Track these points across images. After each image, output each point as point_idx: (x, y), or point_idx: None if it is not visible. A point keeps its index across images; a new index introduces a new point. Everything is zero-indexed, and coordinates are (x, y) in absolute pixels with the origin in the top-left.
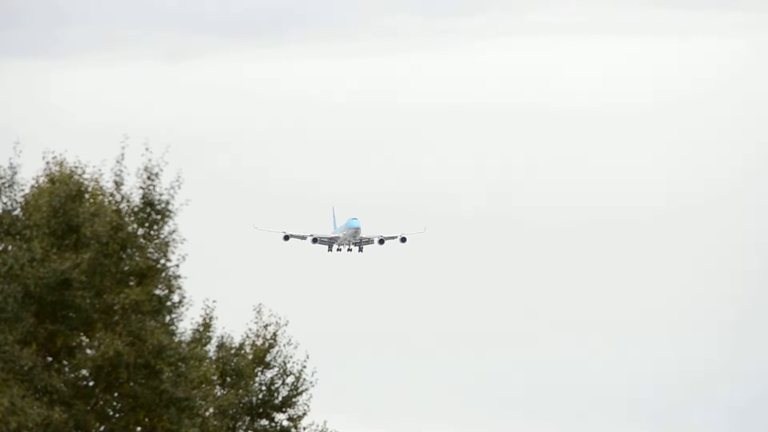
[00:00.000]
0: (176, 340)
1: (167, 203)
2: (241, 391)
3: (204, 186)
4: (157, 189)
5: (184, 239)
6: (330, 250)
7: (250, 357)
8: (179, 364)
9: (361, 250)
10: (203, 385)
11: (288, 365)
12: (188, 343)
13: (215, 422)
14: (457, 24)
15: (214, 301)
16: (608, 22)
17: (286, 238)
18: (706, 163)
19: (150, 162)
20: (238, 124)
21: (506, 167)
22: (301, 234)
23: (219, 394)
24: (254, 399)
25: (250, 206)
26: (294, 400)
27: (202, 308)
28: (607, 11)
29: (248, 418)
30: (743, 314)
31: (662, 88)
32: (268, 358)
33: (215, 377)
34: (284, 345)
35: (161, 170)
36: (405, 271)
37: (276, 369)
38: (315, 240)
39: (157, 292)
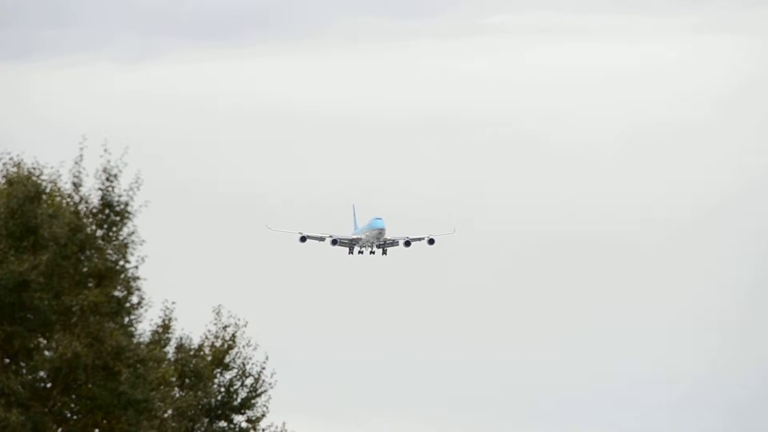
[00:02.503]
0: (135, 341)
1: (126, 205)
2: (199, 392)
3: (163, 187)
4: (116, 190)
5: (143, 241)
6: (351, 252)
7: (209, 358)
8: (138, 365)
9: (385, 252)
10: (162, 387)
11: (247, 367)
12: (147, 345)
13: (174, 424)
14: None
15: (173, 303)
16: (567, 27)
17: (303, 239)
18: (690, 177)
19: (109, 163)
20: (201, 124)
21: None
22: (320, 235)
23: (178, 395)
24: (213, 400)
25: (238, 207)
26: (253, 401)
27: (161, 310)
28: (564, 16)
29: (207, 420)
30: (742, 316)
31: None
32: (227, 359)
33: (174, 379)
34: (243, 346)
35: (120, 171)
36: (385, 272)
37: (235, 370)
38: (335, 242)
39: (116, 293)
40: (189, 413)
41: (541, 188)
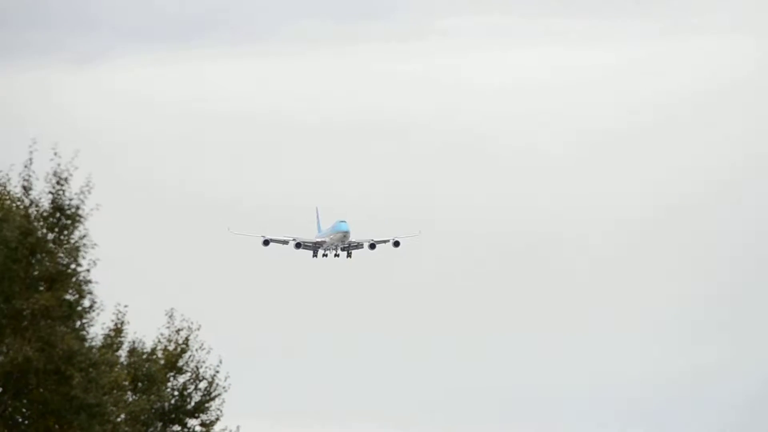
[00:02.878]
0: (87, 345)
1: (77, 208)
2: (153, 396)
3: (116, 190)
4: (67, 194)
5: (94, 244)
6: (315, 255)
7: (162, 362)
8: (90, 369)
9: (349, 255)
10: (114, 391)
11: (201, 370)
12: (99, 349)
13: (127, 428)
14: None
15: (125, 306)
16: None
17: (266, 243)
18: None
19: (59, 167)
20: (156, 127)
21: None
22: (283, 238)
23: (130, 399)
24: (166, 404)
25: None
26: (207, 405)
27: (114, 313)
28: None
29: (160, 424)
30: (740, 316)
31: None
32: (181, 363)
33: (126, 383)
34: (197, 350)
35: (71, 175)
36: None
37: (188, 374)
38: (299, 245)
39: (68, 297)
40: (142, 417)
41: (496, 190)
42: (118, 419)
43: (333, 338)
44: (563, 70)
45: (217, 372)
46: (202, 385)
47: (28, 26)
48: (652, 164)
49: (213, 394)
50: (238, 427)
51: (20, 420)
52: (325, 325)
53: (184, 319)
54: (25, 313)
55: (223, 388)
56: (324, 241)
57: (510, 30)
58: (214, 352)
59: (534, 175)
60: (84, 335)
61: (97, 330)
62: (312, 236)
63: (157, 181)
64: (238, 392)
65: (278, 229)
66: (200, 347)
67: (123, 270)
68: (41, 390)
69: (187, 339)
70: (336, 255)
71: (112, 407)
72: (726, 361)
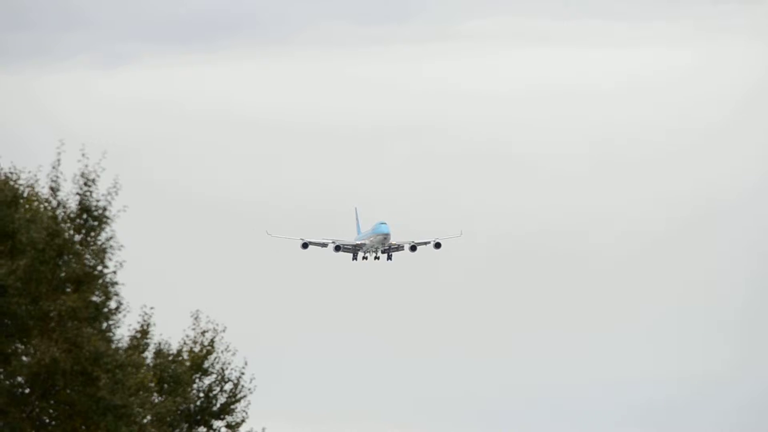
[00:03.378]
0: (113, 346)
1: (104, 209)
2: (178, 398)
3: (142, 192)
4: (94, 195)
5: (121, 246)
6: (355, 258)
7: (188, 364)
8: (116, 370)
9: (390, 258)
10: (140, 392)
11: (226, 372)
12: (125, 350)
13: (153, 429)
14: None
15: (151, 308)
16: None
17: (305, 246)
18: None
19: (86, 168)
20: (179, 129)
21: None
22: (322, 241)
23: (156, 401)
24: (192, 406)
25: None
26: (232, 407)
27: (140, 315)
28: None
29: (186, 425)
30: (741, 317)
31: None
32: (206, 364)
33: (152, 384)
34: (222, 351)
35: (98, 176)
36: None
37: (214, 376)
38: (338, 248)
39: (94, 298)
40: (168, 419)
41: (528, 195)
42: (144, 420)
43: (360, 340)
44: (590, 72)
45: (243, 374)
46: (228, 386)
47: (59, 28)
48: (679, 169)
49: (238, 396)
50: (263, 429)
51: (47, 421)
52: (355, 326)
53: (209, 321)
54: (52, 314)
55: (249, 389)
56: (364, 244)
57: (540, 30)
58: (240, 354)
59: (571, 178)
60: (110, 337)
61: (123, 331)
62: (351, 238)
63: (184, 184)
64: (264, 393)
65: (316, 231)
66: (226, 349)
67: (149, 272)
68: (68, 391)
69: (212, 341)
70: (376, 257)
71: (138, 408)
72: (737, 366)
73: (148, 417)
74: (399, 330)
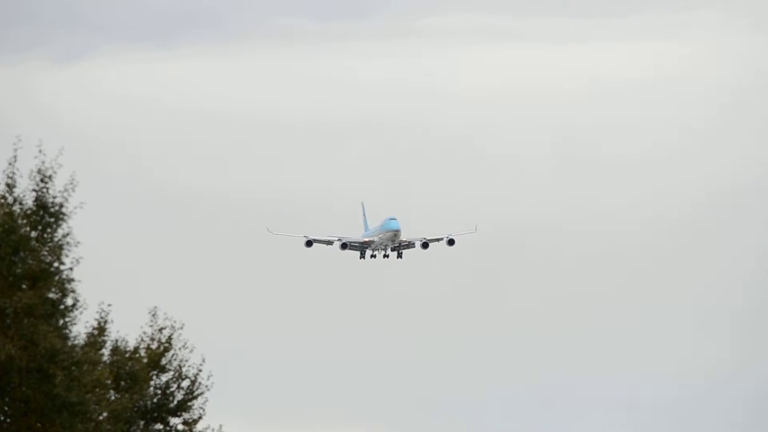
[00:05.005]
0: (69, 343)
1: (61, 206)
2: (135, 395)
3: (99, 188)
4: (51, 191)
5: (78, 242)
6: (363, 257)
7: (145, 361)
8: (72, 368)
9: (400, 255)
10: (97, 389)
11: (183, 369)
12: (82, 347)
13: (109, 426)
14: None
15: (109, 305)
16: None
17: (309, 243)
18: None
19: (43, 164)
20: (137, 124)
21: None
22: (327, 238)
23: (113, 398)
24: (149, 403)
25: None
26: (189, 404)
27: (97, 311)
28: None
29: (143, 423)
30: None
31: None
32: (164, 361)
33: (109, 381)
34: (180, 348)
35: (55, 173)
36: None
37: (171, 373)
38: (344, 245)
39: (51, 295)
40: (124, 416)
41: (491, 192)
42: (101, 418)
43: (323, 339)
44: (546, 68)
45: (200, 371)
46: (185, 383)
47: (10, 23)
48: (647, 168)
49: (195, 393)
50: (220, 426)
51: (2, 418)
52: (318, 324)
53: (167, 318)
54: (7, 311)
55: (206, 386)
56: (372, 241)
57: (501, 27)
58: (198, 351)
59: (534, 177)
60: (67, 334)
61: (79, 328)
62: (358, 236)
63: (143, 179)
64: (221, 391)
65: (291, 227)
66: (183, 346)
67: (107, 268)
68: (23, 388)
69: (170, 338)
70: (385, 255)
71: (94, 406)
72: (740, 363)
73: (104, 414)
74: (363, 328)
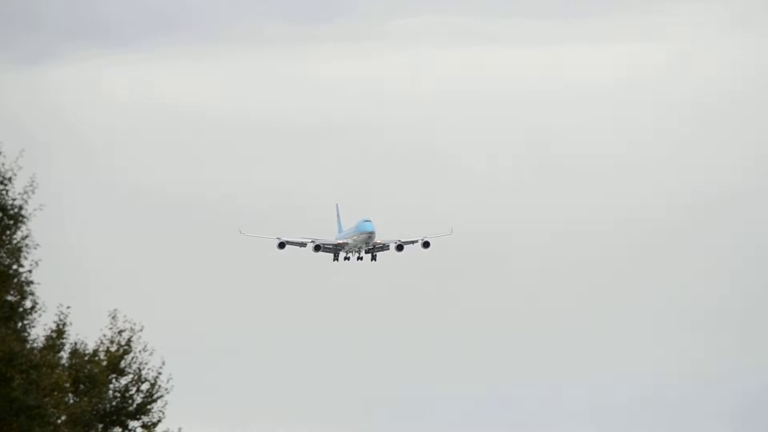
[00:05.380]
0: (28, 346)
1: (20, 208)
2: (94, 398)
3: (59, 191)
4: (10, 194)
5: (37, 245)
6: (336, 259)
7: (104, 363)
8: (30, 371)
9: (374, 258)
10: (55, 393)
11: (143, 372)
12: (40, 350)
13: (67, 430)
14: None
15: (68, 307)
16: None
17: (282, 245)
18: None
19: (2, 167)
20: (100, 126)
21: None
22: (300, 240)
23: (71, 401)
24: (108, 406)
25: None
26: (149, 407)
27: (56, 314)
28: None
29: (101, 426)
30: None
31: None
32: (123, 364)
33: (68, 384)
34: (139, 351)
35: (14, 175)
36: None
37: (131, 375)
38: (318, 247)
39: (9, 298)
40: (83, 419)
41: (456, 196)
42: (59, 421)
43: (286, 340)
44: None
45: (160, 373)
46: (144, 386)
47: None
48: (617, 170)
49: (155, 396)
50: (179, 429)
51: None
52: (279, 325)
53: (126, 321)
54: None
55: (166, 389)
56: (346, 243)
57: (472, 29)
58: (158, 354)
59: (498, 179)
60: (25, 336)
61: (38, 331)
62: (332, 237)
63: (102, 181)
64: (182, 393)
65: (260, 228)
66: (143, 349)
67: (66, 271)
68: None
69: (129, 340)
70: (359, 258)
71: (52, 409)
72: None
73: (63, 417)
74: (329, 329)
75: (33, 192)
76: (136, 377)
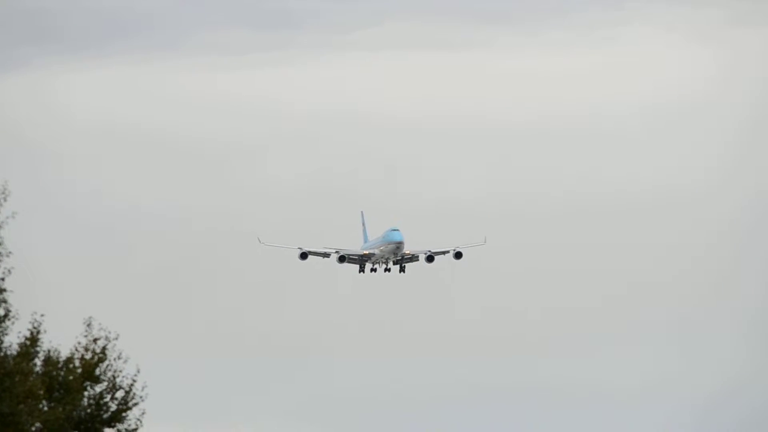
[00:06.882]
0: (1, 354)
1: None
2: (68, 405)
3: (32, 198)
4: None
5: (9, 252)
6: (362, 270)
7: (79, 371)
8: (4, 378)
9: (402, 270)
10: (29, 400)
11: (118, 379)
12: (14, 358)
13: None
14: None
15: (42, 315)
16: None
17: (304, 256)
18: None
19: None
20: (71, 135)
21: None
22: (324, 250)
23: (45, 409)
24: (82, 413)
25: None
26: (123, 414)
27: (30, 322)
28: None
29: None
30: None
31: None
32: (98, 372)
33: (41, 392)
34: (114, 359)
35: None
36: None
37: (105, 383)
38: (342, 258)
39: None
40: (57, 426)
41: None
42: (33, 428)
43: (265, 345)
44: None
45: (135, 381)
46: (119, 394)
47: None
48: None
49: (130, 404)
50: None
51: None
52: (256, 330)
53: (102, 328)
54: None
55: (140, 397)
56: (373, 253)
57: (436, 38)
58: (132, 362)
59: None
60: None
61: (11, 339)
62: (357, 248)
63: (77, 189)
64: (159, 401)
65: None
66: (118, 356)
67: (39, 278)
68: None
69: (104, 348)
70: (387, 269)
71: (26, 416)
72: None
73: (37, 425)
74: (307, 332)
75: (5, 199)
76: (110, 385)
